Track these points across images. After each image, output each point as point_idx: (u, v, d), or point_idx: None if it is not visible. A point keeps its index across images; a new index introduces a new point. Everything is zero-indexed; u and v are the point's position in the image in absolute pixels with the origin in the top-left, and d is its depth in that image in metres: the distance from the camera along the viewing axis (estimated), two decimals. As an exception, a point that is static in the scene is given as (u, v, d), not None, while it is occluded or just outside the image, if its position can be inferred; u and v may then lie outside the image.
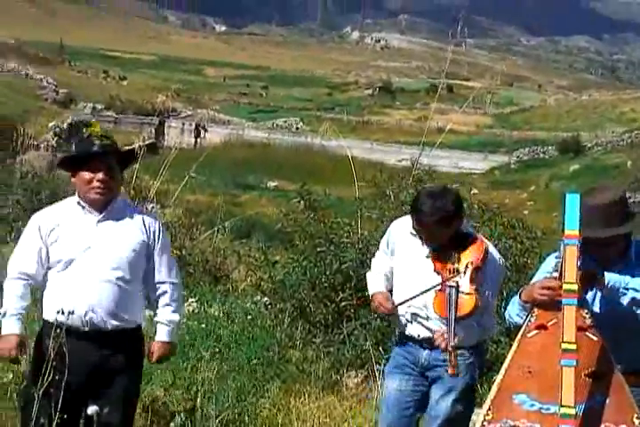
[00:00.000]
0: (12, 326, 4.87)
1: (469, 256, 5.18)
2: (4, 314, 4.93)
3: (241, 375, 7.43)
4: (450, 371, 5.00)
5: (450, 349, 4.97)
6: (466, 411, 5.37)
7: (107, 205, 4.96)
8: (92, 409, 4.77)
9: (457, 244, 5.22)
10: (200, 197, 33.20)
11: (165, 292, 5.07)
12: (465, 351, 5.24)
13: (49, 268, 4.96)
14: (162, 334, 5.07)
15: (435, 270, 5.19)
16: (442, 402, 5.28)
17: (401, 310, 5.34)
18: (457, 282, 5.08)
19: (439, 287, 5.12)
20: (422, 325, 5.30)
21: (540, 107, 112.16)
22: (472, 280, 5.13)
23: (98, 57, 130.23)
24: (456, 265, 5.16)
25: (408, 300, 5.25)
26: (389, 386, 5.52)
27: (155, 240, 5.04)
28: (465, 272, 5.13)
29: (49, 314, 4.91)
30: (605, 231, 4.52)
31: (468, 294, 5.08)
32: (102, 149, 4.90)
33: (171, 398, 6.40)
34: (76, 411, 4.84)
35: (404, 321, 5.39)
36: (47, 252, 4.94)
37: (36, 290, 5.03)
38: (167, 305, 5.08)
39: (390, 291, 5.49)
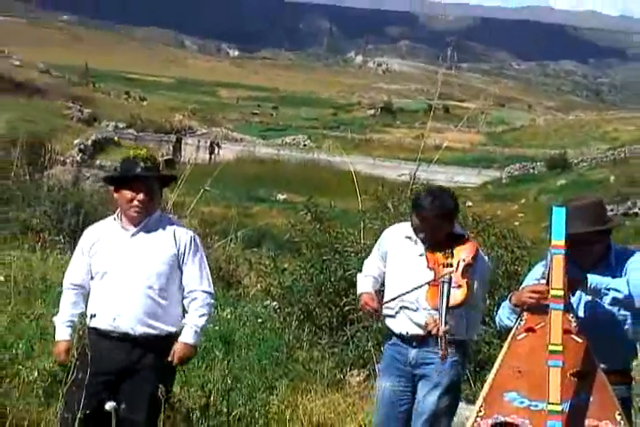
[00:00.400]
0: (63, 333, 5.07)
1: (462, 253, 5.23)
2: (57, 322, 5.11)
3: (252, 374, 7.42)
4: (441, 353, 5.02)
5: (441, 334, 5.00)
6: (451, 406, 5.38)
7: (142, 220, 5.02)
8: (109, 405, 4.76)
9: (451, 242, 5.28)
10: (214, 208, 33.16)
11: (196, 299, 5.08)
12: (451, 349, 5.24)
13: (92, 278, 5.07)
14: (186, 336, 5.03)
15: (428, 267, 5.23)
16: (429, 397, 5.28)
17: (392, 304, 5.36)
18: (450, 277, 5.09)
19: (432, 282, 5.15)
20: (411, 320, 5.30)
21: (530, 126, 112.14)
22: (463, 275, 5.16)
23: (120, 79, 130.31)
24: (449, 260, 5.20)
25: (397, 296, 5.27)
26: (383, 385, 5.52)
27: (185, 252, 5.05)
28: (457, 268, 5.17)
29: (88, 320, 5.01)
30: (588, 227, 4.57)
31: (459, 286, 5.12)
32: (145, 171, 4.96)
33: (186, 396, 6.40)
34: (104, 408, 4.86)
35: (393, 318, 5.41)
36: (90, 264, 5.06)
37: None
38: (195, 310, 5.07)
39: (378, 292, 5.52)
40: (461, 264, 5.19)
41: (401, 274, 5.35)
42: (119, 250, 4.99)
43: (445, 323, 5.00)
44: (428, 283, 5.17)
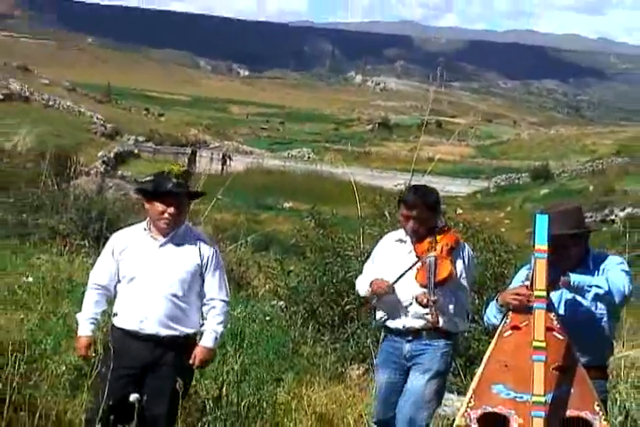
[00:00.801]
0: (85, 329, 5.05)
1: (444, 240, 5.35)
2: (80, 318, 5.09)
3: (260, 368, 7.42)
4: (432, 320, 5.17)
5: (430, 303, 5.13)
6: (438, 392, 5.42)
7: (171, 231, 5.04)
8: (133, 397, 4.79)
9: (435, 233, 5.38)
10: (226, 215, 33.20)
11: (214, 307, 5.11)
12: (442, 342, 5.33)
13: (118, 281, 5.08)
14: (206, 341, 5.08)
15: (416, 256, 5.33)
16: (417, 382, 5.33)
17: (393, 301, 5.39)
18: (434, 257, 5.22)
19: (420, 264, 5.27)
20: (408, 315, 5.35)
21: (515, 140, 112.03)
22: (447, 254, 5.29)
23: (140, 97, 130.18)
24: (433, 246, 5.32)
25: (400, 277, 5.32)
26: (380, 378, 5.57)
27: (207, 263, 5.09)
28: (441, 250, 5.29)
29: (114, 320, 5.06)
30: (569, 230, 4.61)
31: (443, 263, 5.23)
32: (177, 188, 4.98)
33: (201, 388, 6.40)
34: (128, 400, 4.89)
35: (393, 315, 5.44)
36: (117, 268, 5.06)
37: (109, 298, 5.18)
38: (214, 317, 5.11)
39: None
40: (445, 248, 5.31)
41: (394, 270, 5.39)
42: (148, 258, 5.01)
43: (434, 293, 5.15)
44: (415, 264, 5.29)
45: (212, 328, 5.09)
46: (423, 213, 5.32)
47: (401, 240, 5.49)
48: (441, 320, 5.24)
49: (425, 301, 5.18)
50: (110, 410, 4.78)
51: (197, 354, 5.03)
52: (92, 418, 4.83)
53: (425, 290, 5.21)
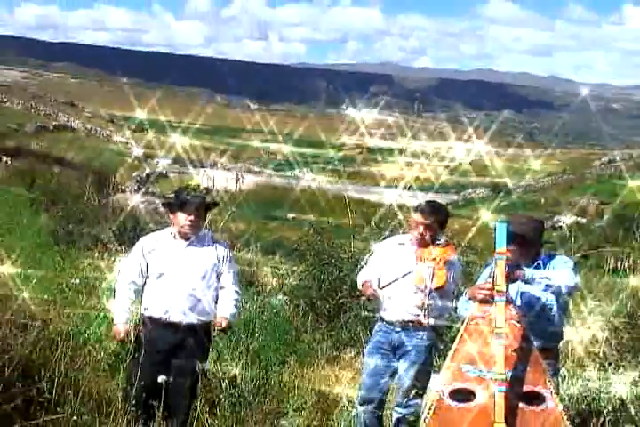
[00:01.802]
0: (120, 318, 5.03)
1: (444, 253, 5.29)
2: (115, 309, 5.08)
3: (268, 352, 7.40)
4: (424, 321, 5.19)
5: (425, 306, 5.18)
6: (425, 380, 5.36)
7: (192, 236, 5.06)
8: (161, 378, 4.80)
9: (436, 245, 5.32)
10: (239, 224, 33.06)
11: (231, 293, 5.16)
12: (426, 335, 5.29)
13: (147, 277, 5.06)
14: (225, 312, 5.08)
15: (415, 261, 5.28)
16: (408, 372, 5.30)
17: (387, 295, 5.34)
18: (432, 267, 5.20)
19: (418, 271, 5.23)
20: (400, 308, 5.30)
21: (480, 160, 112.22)
22: (443, 266, 5.25)
23: (167, 126, 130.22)
24: (432, 256, 5.27)
25: (391, 282, 5.28)
26: (369, 362, 5.52)
27: (223, 262, 5.14)
28: (439, 262, 5.25)
29: (143, 311, 5.06)
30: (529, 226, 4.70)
31: (439, 274, 5.21)
32: (197, 199, 5.04)
33: (218, 369, 6.38)
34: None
35: (386, 307, 5.39)
36: (147, 266, 5.06)
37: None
38: (231, 301, 5.15)
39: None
40: (442, 260, 5.27)
41: (391, 270, 5.34)
42: (174, 258, 5.03)
43: (428, 298, 5.16)
44: (408, 273, 5.23)
45: (231, 305, 5.13)
46: (434, 223, 5.29)
47: (404, 244, 5.43)
48: (430, 320, 5.23)
49: (420, 303, 5.19)
50: (143, 389, 4.78)
51: (222, 320, 5.04)
52: (128, 396, 4.84)
53: (421, 294, 5.19)
